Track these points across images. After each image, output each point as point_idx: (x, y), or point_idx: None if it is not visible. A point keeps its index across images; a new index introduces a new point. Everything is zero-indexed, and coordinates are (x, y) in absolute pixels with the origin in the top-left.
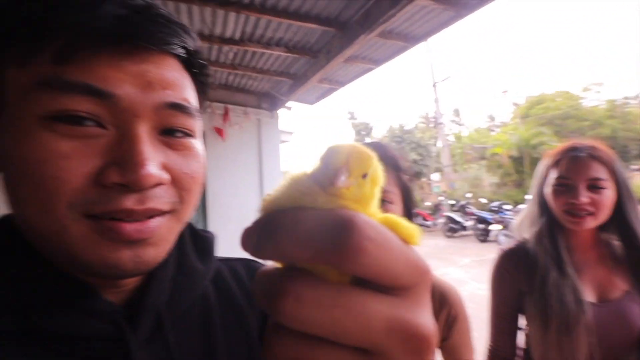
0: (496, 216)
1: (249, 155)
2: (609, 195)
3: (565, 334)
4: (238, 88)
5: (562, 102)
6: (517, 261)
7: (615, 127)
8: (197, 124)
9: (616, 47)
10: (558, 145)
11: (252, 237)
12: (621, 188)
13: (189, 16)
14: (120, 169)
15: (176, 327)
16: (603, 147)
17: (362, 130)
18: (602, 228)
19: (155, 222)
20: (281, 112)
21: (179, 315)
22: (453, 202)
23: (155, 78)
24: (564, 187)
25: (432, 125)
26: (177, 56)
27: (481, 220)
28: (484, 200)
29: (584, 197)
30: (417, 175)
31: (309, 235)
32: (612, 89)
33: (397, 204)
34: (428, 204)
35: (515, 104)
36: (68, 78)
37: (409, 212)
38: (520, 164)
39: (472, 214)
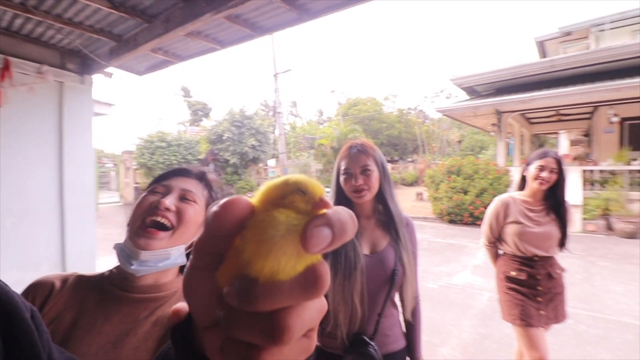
0: None
1: (42, 127)
2: (375, 177)
3: (348, 279)
4: (30, 37)
5: (370, 106)
6: None
7: (401, 130)
8: None
9: (402, 67)
10: (347, 142)
11: (234, 300)
12: (382, 170)
13: None
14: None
15: None
16: (369, 143)
17: (200, 110)
18: (376, 200)
19: None
20: (98, 78)
21: None
22: None
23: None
24: (348, 174)
25: (271, 113)
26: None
27: None
28: None
29: (360, 180)
30: (255, 160)
31: (283, 300)
32: (402, 100)
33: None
34: None
35: (339, 103)
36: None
37: None
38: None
39: None
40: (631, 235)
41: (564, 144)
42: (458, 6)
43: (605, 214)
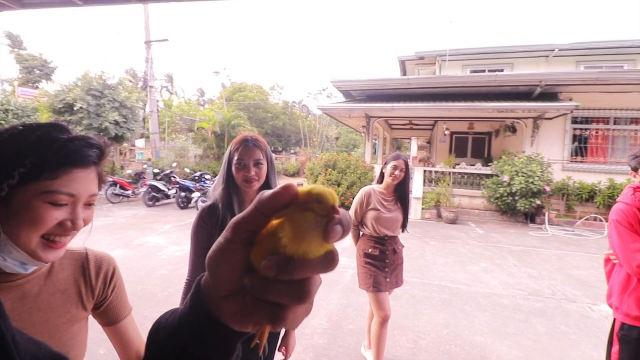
0: (197, 185)
1: None
2: (264, 169)
3: None
4: None
5: (256, 94)
6: (211, 213)
7: (286, 122)
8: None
9: (292, 59)
10: (241, 134)
11: (273, 269)
12: (270, 163)
13: None
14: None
15: None
16: (262, 139)
17: (37, 67)
18: (261, 188)
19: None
20: None
21: None
22: (157, 170)
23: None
24: (242, 165)
25: (141, 86)
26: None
27: (184, 188)
28: (188, 170)
29: (252, 171)
30: (118, 139)
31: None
32: (288, 92)
33: None
34: (129, 171)
35: (224, 86)
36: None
37: None
38: (222, 140)
39: (177, 183)
40: (452, 221)
41: (414, 148)
42: (347, 13)
43: (437, 205)
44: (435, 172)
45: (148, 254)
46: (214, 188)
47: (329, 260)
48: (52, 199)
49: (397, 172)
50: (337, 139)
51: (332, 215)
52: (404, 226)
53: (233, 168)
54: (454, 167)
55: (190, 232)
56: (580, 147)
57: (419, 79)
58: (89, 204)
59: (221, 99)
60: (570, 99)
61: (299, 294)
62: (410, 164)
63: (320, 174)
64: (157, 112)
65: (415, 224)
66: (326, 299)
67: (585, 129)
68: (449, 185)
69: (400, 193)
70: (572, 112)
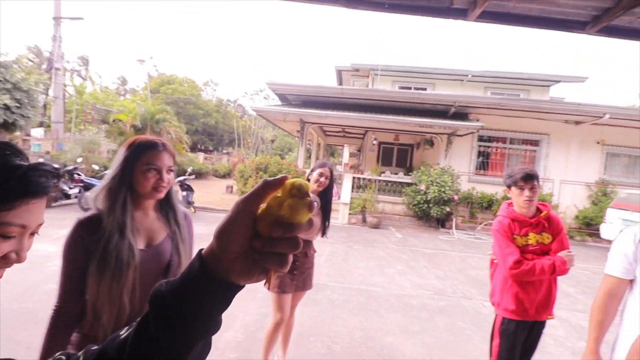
0: None
1: None
2: (172, 175)
3: (118, 279)
4: None
5: (187, 88)
6: (91, 227)
7: (219, 120)
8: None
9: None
10: (138, 136)
11: (280, 231)
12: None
13: None
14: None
15: None
16: (169, 143)
17: None
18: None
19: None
20: None
21: None
22: (58, 166)
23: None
24: (153, 170)
25: (45, 67)
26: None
27: (88, 187)
28: (97, 167)
29: (166, 178)
30: (8, 126)
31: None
32: (223, 90)
33: None
34: None
35: (150, 76)
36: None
37: None
38: (142, 135)
39: (80, 181)
40: (375, 226)
41: (346, 155)
42: (290, 16)
43: (363, 210)
44: (363, 179)
45: (33, 265)
46: (97, 197)
47: (310, 223)
48: (3, 231)
49: (322, 179)
50: (273, 141)
51: (308, 198)
52: (323, 232)
53: (137, 173)
54: (379, 175)
55: (65, 242)
56: (484, 162)
57: (353, 90)
58: (32, 233)
59: (145, 90)
60: (478, 120)
61: (295, 245)
62: (342, 170)
63: (250, 177)
64: (64, 99)
65: (342, 228)
66: (244, 308)
67: (488, 147)
68: (374, 192)
69: (323, 200)
70: (478, 131)
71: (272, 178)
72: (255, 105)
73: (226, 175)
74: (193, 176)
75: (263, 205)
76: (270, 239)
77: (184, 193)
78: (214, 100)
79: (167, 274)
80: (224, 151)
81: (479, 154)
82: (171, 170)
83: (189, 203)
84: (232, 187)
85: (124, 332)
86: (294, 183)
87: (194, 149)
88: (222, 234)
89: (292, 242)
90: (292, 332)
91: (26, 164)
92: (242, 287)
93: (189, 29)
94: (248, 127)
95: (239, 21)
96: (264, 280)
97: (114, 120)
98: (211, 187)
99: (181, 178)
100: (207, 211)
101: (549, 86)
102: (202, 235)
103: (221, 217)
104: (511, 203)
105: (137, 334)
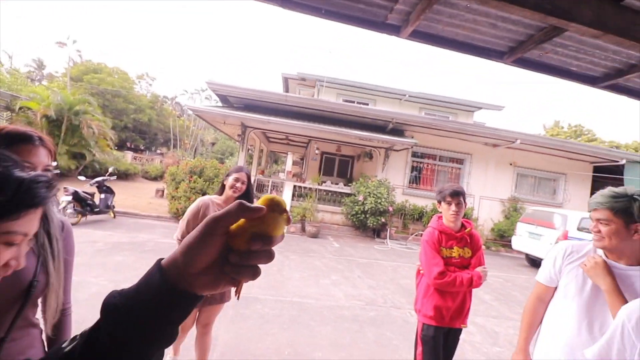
0: None
1: None
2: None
3: None
4: None
5: (117, 80)
6: None
7: (152, 117)
8: None
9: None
10: (9, 127)
11: (259, 244)
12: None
13: None
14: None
15: None
16: (48, 138)
17: None
18: None
19: None
20: None
21: None
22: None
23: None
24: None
25: None
26: None
27: None
28: None
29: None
30: None
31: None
32: (160, 86)
33: None
34: None
35: (73, 62)
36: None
37: None
38: (57, 127)
39: None
40: (314, 235)
41: (289, 163)
42: (239, 17)
43: (302, 219)
44: (304, 187)
45: None
46: None
47: (283, 236)
48: (9, 239)
49: (238, 185)
50: (213, 144)
51: (286, 213)
52: None
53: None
54: (320, 184)
55: None
56: (416, 176)
57: (297, 98)
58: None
59: (65, 77)
60: (412, 137)
61: (271, 256)
62: (284, 177)
63: (183, 180)
64: None
65: None
66: None
67: (420, 162)
68: (314, 201)
69: None
70: (412, 147)
71: (250, 205)
72: (195, 105)
73: (158, 177)
74: (114, 177)
75: (239, 222)
76: (248, 252)
77: (102, 196)
78: (148, 96)
79: (26, 299)
80: (158, 151)
81: (413, 168)
82: (48, 170)
83: (108, 207)
84: (162, 191)
85: (67, 345)
86: (273, 199)
87: (121, 147)
88: (190, 250)
89: (269, 254)
90: (211, 353)
91: (26, 175)
92: (203, 297)
93: (126, 17)
94: (186, 128)
95: (185, 14)
96: (235, 290)
97: (20, 108)
98: (139, 190)
99: (99, 179)
100: (130, 217)
101: (473, 111)
102: (122, 244)
103: (145, 224)
104: (441, 216)
105: (86, 347)
